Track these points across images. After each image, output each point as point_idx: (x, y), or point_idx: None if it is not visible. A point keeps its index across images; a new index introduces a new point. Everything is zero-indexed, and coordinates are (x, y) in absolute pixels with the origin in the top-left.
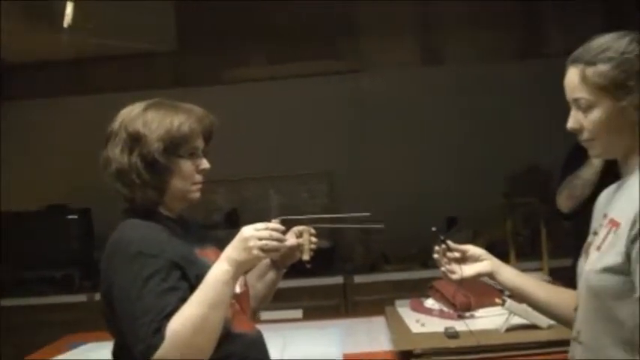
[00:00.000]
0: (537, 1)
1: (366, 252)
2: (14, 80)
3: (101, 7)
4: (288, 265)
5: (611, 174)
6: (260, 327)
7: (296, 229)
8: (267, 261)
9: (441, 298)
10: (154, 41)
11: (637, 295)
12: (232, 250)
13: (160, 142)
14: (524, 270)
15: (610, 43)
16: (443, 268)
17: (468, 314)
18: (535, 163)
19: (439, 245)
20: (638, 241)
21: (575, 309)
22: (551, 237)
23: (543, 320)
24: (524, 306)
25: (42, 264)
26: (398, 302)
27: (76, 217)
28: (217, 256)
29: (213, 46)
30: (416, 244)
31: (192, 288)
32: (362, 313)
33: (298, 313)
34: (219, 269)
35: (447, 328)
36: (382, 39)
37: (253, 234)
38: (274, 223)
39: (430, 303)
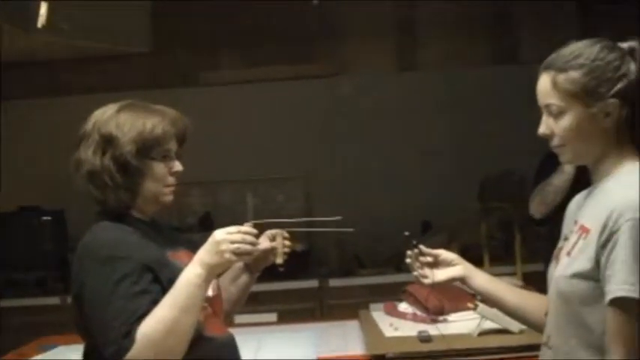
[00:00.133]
0: (513, 7)
1: (342, 255)
2: None
3: (75, 7)
4: (262, 268)
5: (583, 181)
6: (234, 330)
7: (269, 232)
8: (240, 264)
9: (415, 302)
10: (130, 43)
11: (606, 301)
12: (204, 254)
13: (133, 144)
14: (498, 274)
15: (582, 50)
16: (415, 273)
17: (441, 318)
18: (510, 168)
19: (411, 249)
20: (607, 247)
21: (546, 314)
22: (525, 242)
23: (515, 325)
24: (495, 310)
25: (15, 266)
26: (372, 306)
27: (49, 218)
28: (190, 259)
29: (191, 48)
30: (391, 248)
31: (165, 291)
32: (337, 317)
33: (273, 317)
34: (191, 272)
35: (420, 332)
36: (359, 44)
37: (225, 237)
38: (247, 227)
39: (404, 307)
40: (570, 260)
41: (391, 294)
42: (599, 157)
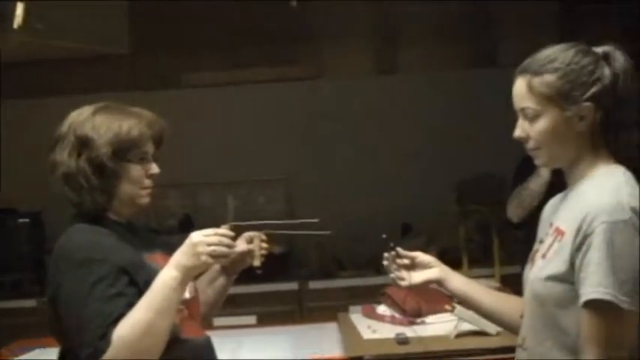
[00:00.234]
0: (494, 8)
1: (322, 258)
2: None
3: (51, 8)
4: (239, 271)
5: (559, 184)
6: (213, 333)
7: (247, 234)
8: (217, 267)
9: (393, 304)
10: (107, 43)
11: (580, 303)
12: (181, 256)
13: (109, 146)
14: (476, 277)
15: (557, 53)
16: (392, 275)
17: (419, 320)
18: (489, 171)
19: (389, 252)
20: (582, 250)
21: (521, 316)
22: (503, 244)
23: (492, 327)
24: (472, 313)
25: None
26: (351, 308)
27: (27, 220)
28: (166, 262)
29: (172, 50)
30: (372, 250)
31: (141, 293)
32: (317, 319)
33: (252, 319)
34: (167, 275)
35: (397, 334)
36: (339, 46)
37: (202, 239)
38: (224, 229)
39: (382, 309)
40: (545, 263)
41: (371, 296)
42: (574, 160)
